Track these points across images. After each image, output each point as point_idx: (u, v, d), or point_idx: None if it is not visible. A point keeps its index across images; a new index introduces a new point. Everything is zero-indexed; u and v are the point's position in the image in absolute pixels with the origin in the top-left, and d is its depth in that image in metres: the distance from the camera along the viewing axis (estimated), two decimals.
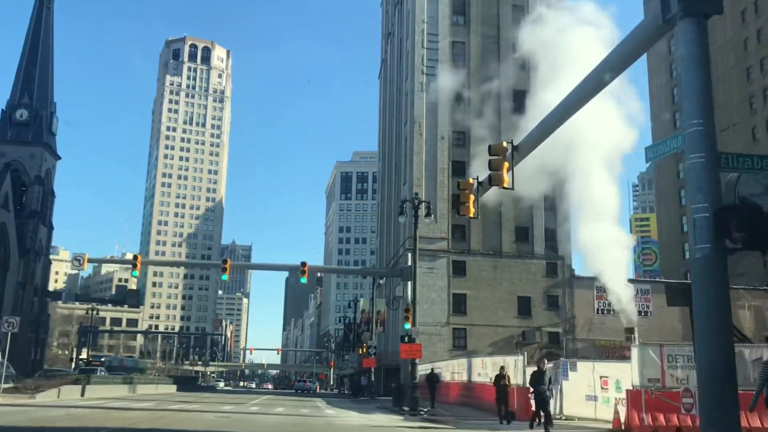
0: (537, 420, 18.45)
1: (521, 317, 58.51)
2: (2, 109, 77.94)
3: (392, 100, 76.47)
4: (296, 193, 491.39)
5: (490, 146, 16.00)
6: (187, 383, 63.20)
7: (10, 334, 28.25)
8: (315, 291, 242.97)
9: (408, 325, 31.01)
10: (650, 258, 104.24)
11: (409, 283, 33.61)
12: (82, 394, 30.05)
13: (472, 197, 18.10)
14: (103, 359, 51.83)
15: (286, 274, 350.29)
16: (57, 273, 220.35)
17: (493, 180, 15.78)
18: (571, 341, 58.94)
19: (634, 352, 18.00)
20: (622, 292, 34.10)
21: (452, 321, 57.59)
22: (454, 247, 59.04)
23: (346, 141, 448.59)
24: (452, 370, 36.98)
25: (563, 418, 22.83)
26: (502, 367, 21.70)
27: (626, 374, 18.48)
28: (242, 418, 17.54)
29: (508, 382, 20.85)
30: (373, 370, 49.71)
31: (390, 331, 61.56)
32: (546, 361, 17.87)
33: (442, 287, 58.03)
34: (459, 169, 60.16)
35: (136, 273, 31.17)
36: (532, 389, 17.73)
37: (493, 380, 21.84)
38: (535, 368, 18.78)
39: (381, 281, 51.91)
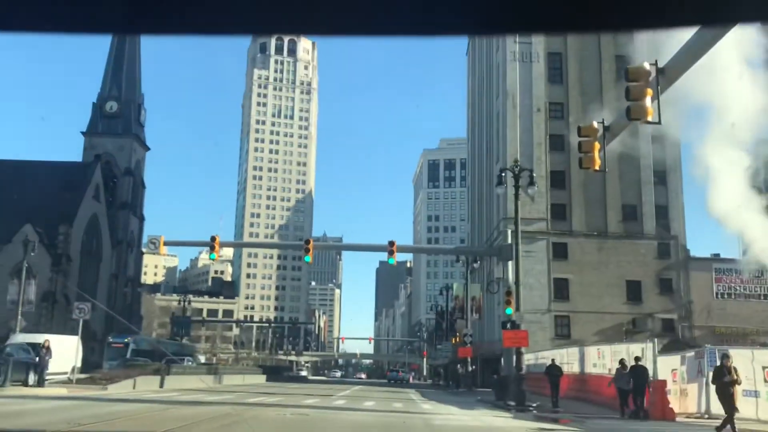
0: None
1: (631, 303, 53.60)
2: (93, 102, 78.94)
3: (482, 75, 72.46)
4: (385, 183, 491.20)
5: (626, 70, 12.38)
6: (276, 373, 61.67)
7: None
8: (405, 281, 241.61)
9: (510, 310, 27.55)
10: None
11: (510, 263, 30.09)
12: (161, 385, 28.21)
13: (597, 145, 14.47)
14: (126, 340, 47.62)
15: (376, 264, 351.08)
16: (156, 267, 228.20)
17: (633, 113, 12.13)
18: (687, 329, 53.71)
19: None
20: None
21: (554, 308, 53.38)
22: (553, 228, 54.72)
23: (432, 128, 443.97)
24: (559, 361, 33.10)
25: (705, 416, 18.87)
26: (726, 356, 15.50)
27: None
28: (323, 417, 14.72)
29: (737, 377, 14.78)
30: (469, 360, 46.30)
31: (486, 319, 57.90)
32: None
33: (541, 272, 53.90)
34: (557, 143, 55.84)
35: (214, 256, 29.06)
36: None
37: (711, 376, 15.60)
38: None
39: (475, 264, 48.33)
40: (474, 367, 47.72)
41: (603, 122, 14.76)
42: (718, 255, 56.77)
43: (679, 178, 56.53)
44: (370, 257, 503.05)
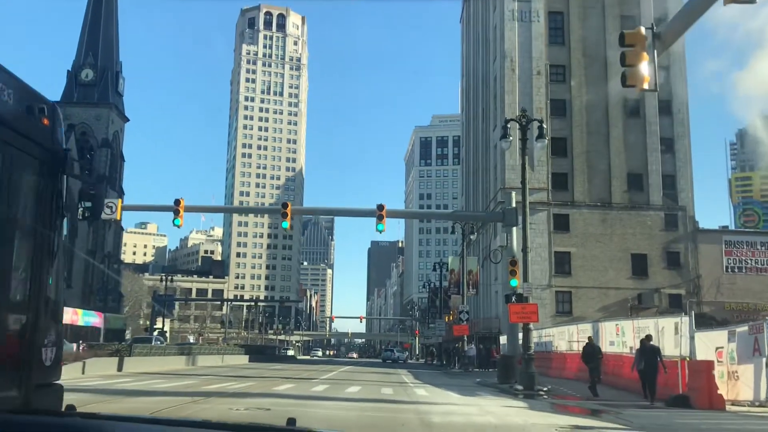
0: None
1: (636, 278, 50.40)
2: (68, 70, 74.80)
3: (477, 39, 68.64)
4: (377, 161, 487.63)
5: None
6: (261, 353, 58.35)
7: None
8: (397, 260, 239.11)
9: (516, 282, 24.28)
10: (753, 219, 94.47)
11: (515, 229, 26.78)
12: (119, 369, 24.79)
13: (645, 56, 10.97)
14: None
15: (368, 244, 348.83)
16: (145, 246, 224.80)
17: None
18: (696, 304, 50.63)
19: None
20: None
21: (554, 283, 50.13)
22: (554, 198, 51.28)
23: (424, 105, 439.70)
24: (568, 338, 29.92)
25: (756, 404, 15.56)
26: None
27: None
28: (288, 412, 11.30)
29: None
30: (465, 338, 43.10)
31: (482, 295, 54.63)
32: None
33: (541, 245, 50.58)
34: (559, 108, 52.53)
35: (179, 221, 25.44)
36: None
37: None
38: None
39: (472, 236, 44.92)
40: (481, 346, 44.30)
41: (653, 27, 11.27)
42: (727, 227, 53.78)
43: (687, 146, 53.22)
44: (362, 237, 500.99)
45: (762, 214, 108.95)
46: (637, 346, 21.61)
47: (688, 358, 17.28)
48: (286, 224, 25.48)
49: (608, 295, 50.02)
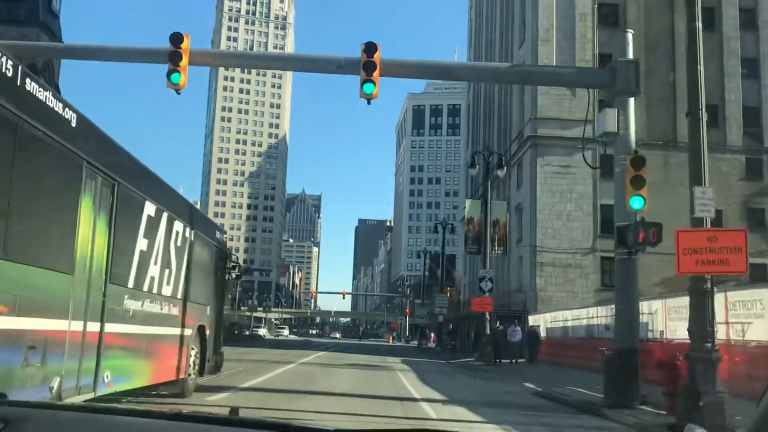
0: None
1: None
2: None
3: None
4: (365, 130, 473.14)
5: None
6: None
7: None
8: (385, 237, 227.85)
9: (641, 200, 11.81)
10: None
11: (631, 100, 14.20)
12: None
13: None
14: None
15: (355, 222, 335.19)
16: None
17: None
18: None
19: None
20: None
21: (600, 246, 37.38)
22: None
23: None
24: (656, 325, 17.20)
25: None
26: None
27: None
28: None
29: None
30: (488, 316, 30.15)
31: (513, 255, 41.05)
32: None
33: (583, 195, 38.14)
34: (609, 14, 39.79)
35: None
36: None
37: None
38: None
39: (500, 172, 31.54)
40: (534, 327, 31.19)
41: None
42: None
43: None
44: (350, 216, 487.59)
45: None
46: None
47: None
48: (178, 76, 12.43)
49: (671, 264, 37.18)
